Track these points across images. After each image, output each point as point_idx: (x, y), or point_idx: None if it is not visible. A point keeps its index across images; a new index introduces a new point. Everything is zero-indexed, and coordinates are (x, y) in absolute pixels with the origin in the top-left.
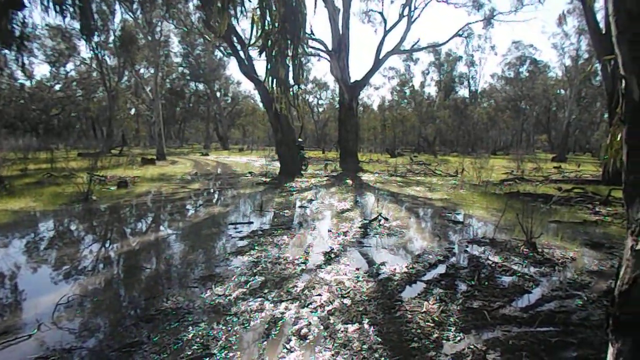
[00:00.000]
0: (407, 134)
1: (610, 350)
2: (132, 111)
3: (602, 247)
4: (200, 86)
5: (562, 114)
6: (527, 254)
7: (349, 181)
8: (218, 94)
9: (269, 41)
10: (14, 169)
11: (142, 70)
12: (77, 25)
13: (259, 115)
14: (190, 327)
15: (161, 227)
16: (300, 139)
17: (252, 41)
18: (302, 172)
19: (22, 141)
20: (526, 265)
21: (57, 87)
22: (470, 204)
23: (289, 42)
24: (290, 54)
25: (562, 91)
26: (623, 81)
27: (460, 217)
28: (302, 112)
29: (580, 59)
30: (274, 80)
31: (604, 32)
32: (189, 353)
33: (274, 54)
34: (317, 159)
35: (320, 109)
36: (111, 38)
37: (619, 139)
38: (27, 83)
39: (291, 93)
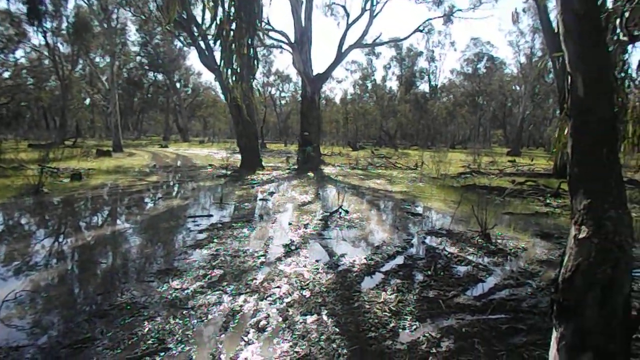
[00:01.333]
0: (368, 127)
1: (554, 335)
2: (87, 101)
3: (552, 237)
4: (159, 76)
5: (517, 110)
6: (482, 244)
7: (311, 174)
8: (178, 85)
9: (224, 30)
10: None
11: (97, 59)
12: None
13: (221, 107)
14: (146, 322)
15: (118, 221)
16: (306, 133)
17: (205, 27)
18: (311, 168)
19: None
20: (480, 255)
21: (6, 74)
22: (428, 197)
23: (245, 31)
24: (245, 43)
25: (517, 87)
26: (569, 78)
27: (419, 209)
28: (256, 104)
29: (534, 56)
30: (229, 71)
31: (556, 30)
32: (143, 348)
33: (228, 43)
34: (279, 152)
35: (283, 102)
36: (64, 24)
37: (566, 133)
38: None
39: (248, 84)
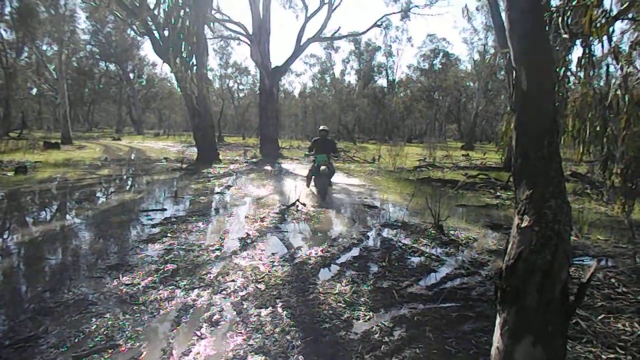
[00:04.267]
0: (327, 121)
1: (498, 320)
2: (34, 91)
3: (501, 228)
4: (112, 66)
5: (470, 105)
6: (435, 235)
7: (269, 167)
8: (131, 76)
9: (172, 18)
10: None
11: (44, 47)
12: None
13: (176, 99)
14: (94, 319)
15: (67, 216)
16: (323, 127)
17: (153, 14)
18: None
19: None
20: (434, 246)
21: None
22: (385, 189)
23: (194, 20)
24: (194, 32)
25: (471, 83)
26: (514, 72)
27: (375, 202)
28: (206, 94)
29: (487, 53)
30: (178, 60)
31: None
32: (91, 345)
33: (177, 31)
34: (237, 145)
35: (241, 94)
36: (7, 9)
37: (512, 126)
38: None
39: (198, 74)
